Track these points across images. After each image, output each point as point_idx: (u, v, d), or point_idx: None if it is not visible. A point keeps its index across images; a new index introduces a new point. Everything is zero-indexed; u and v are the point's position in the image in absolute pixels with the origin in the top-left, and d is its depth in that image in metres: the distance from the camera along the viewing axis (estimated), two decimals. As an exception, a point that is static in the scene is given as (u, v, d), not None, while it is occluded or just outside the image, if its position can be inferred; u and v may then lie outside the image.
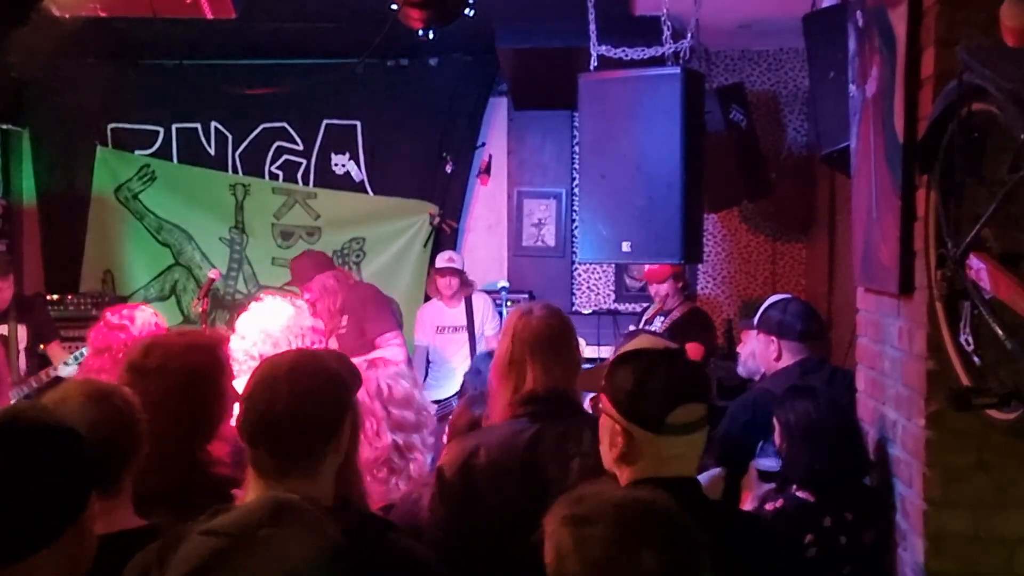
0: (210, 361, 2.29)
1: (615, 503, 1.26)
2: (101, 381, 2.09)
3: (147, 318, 3.48)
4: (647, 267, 5.54)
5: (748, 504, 2.99)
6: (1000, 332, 1.65)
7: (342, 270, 5.39)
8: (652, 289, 5.52)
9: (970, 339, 1.84)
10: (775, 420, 2.84)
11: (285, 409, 1.69)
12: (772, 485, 2.97)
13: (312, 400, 1.72)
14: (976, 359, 1.82)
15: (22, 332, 5.00)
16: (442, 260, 5.72)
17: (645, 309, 5.74)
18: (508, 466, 2.24)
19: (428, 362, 5.77)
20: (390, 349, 4.69)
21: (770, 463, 3.04)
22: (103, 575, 1.51)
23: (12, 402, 3.52)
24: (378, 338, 4.78)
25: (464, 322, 5.72)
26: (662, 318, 5.47)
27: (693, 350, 4.91)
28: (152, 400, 2.01)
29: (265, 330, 3.23)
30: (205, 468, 2.17)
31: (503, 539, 2.04)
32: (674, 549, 1.23)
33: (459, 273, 5.67)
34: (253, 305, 3.37)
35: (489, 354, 4.01)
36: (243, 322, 3.30)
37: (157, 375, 2.18)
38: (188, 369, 2.22)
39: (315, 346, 3.25)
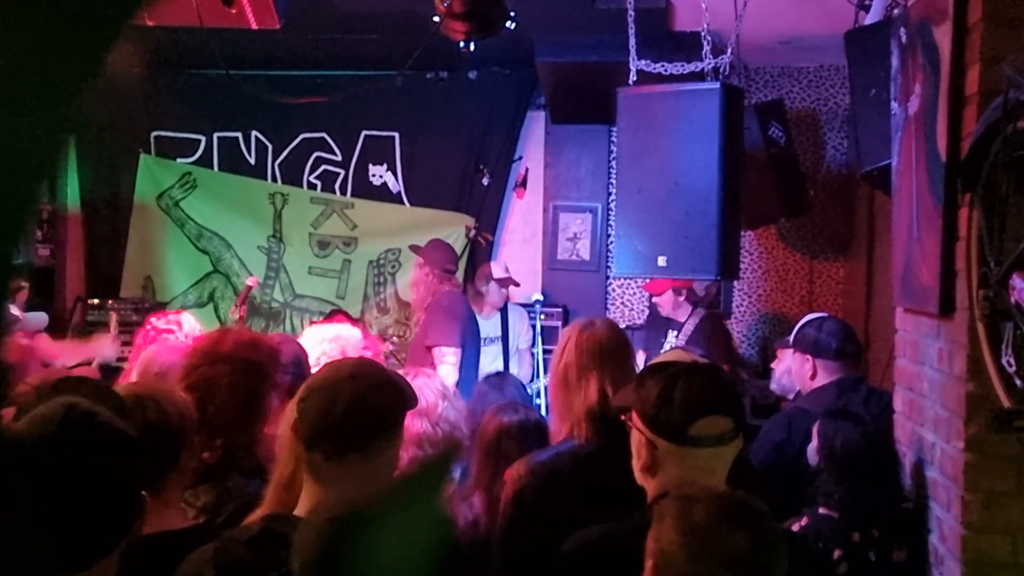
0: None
1: (718, 492, 1.47)
2: (138, 387, 2.12)
3: (192, 323, 3.54)
4: (647, 280, 5.42)
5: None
6: (1043, 354, 1.63)
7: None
8: (654, 300, 5.45)
9: (1012, 361, 1.82)
10: (816, 432, 2.81)
11: (345, 412, 1.70)
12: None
13: (371, 405, 1.73)
14: (1018, 381, 1.79)
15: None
16: (499, 271, 5.66)
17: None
18: (586, 489, 2.24)
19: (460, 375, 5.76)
20: (443, 367, 4.56)
21: None
22: (151, 574, 1.53)
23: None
24: (434, 348, 4.68)
25: (499, 333, 5.71)
26: (675, 333, 5.40)
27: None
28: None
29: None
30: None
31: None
32: (763, 537, 1.40)
33: (515, 283, 5.68)
34: (308, 331, 3.35)
35: (498, 374, 4.00)
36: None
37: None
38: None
39: None
